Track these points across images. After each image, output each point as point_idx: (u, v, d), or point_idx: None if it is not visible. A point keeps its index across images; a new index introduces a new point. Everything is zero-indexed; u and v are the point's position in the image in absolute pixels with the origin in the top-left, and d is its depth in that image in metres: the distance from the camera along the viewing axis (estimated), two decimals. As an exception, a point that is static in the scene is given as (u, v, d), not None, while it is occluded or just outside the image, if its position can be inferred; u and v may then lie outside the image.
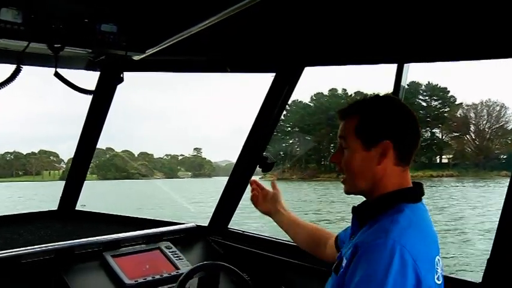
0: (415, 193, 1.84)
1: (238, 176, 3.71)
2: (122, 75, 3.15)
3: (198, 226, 3.88)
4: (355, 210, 1.90)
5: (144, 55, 2.94)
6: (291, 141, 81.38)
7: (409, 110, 1.85)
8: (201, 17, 2.43)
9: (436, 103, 75.18)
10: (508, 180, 2.29)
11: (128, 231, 3.48)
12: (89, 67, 3.25)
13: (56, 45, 2.64)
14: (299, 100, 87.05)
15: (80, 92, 2.96)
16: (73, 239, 3.23)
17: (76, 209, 4.00)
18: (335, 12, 2.60)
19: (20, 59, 2.62)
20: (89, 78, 3.29)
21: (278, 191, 2.71)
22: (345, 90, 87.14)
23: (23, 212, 3.99)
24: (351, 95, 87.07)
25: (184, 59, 3.40)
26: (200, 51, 3.25)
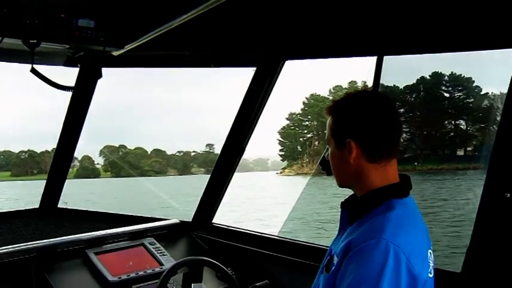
0: (403, 188, 1.75)
1: (221, 171, 3.60)
2: (100, 71, 3.01)
3: (181, 222, 3.74)
4: (344, 205, 1.83)
5: (123, 50, 2.82)
6: (309, 135, 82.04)
7: (379, 103, 1.75)
8: (180, 12, 2.33)
9: (459, 94, 75.54)
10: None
11: (111, 228, 3.33)
12: (68, 63, 3.10)
13: (31, 41, 2.50)
14: (317, 93, 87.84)
15: (58, 89, 2.82)
16: (55, 237, 3.09)
17: (58, 206, 3.82)
18: (314, 6, 2.54)
19: None
20: (69, 75, 3.19)
21: None
22: (364, 82, 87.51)
23: (2, 210, 3.83)
24: (382, 84, 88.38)
25: (164, 54, 3.28)
26: (181, 46, 3.12)
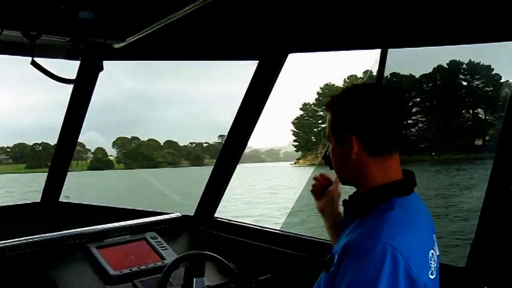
0: (405, 185, 1.72)
1: (223, 165, 3.61)
2: (101, 64, 3.02)
3: (183, 216, 3.75)
4: (345, 203, 1.82)
5: (124, 43, 2.81)
6: (323, 126, 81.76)
7: (379, 97, 1.72)
8: (182, 4, 2.31)
9: (478, 82, 73.98)
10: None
11: (113, 222, 3.35)
12: (69, 56, 3.08)
13: (31, 33, 2.49)
14: (332, 83, 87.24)
15: (59, 81, 2.80)
16: (57, 231, 3.11)
17: (60, 200, 3.84)
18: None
19: None
20: (71, 68, 3.21)
21: (336, 189, 2.29)
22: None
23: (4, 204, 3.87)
24: (387, 76, 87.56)
25: (166, 47, 3.26)
26: (183, 39, 3.11)
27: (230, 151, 3.55)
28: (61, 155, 3.62)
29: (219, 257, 2.83)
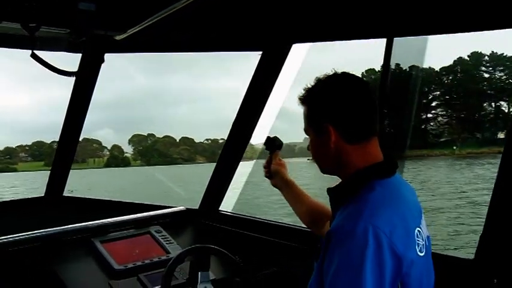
0: (385, 168, 1.74)
1: (228, 158, 3.60)
2: (103, 56, 3.02)
3: (188, 209, 3.75)
4: (329, 191, 1.83)
5: (125, 35, 2.80)
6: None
7: (352, 83, 1.77)
8: None
9: (501, 74, 72.87)
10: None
11: (117, 216, 3.36)
12: (71, 49, 3.07)
13: (30, 25, 2.50)
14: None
15: (60, 74, 2.81)
16: (61, 226, 3.12)
17: (64, 195, 3.87)
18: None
19: None
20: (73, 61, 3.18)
21: (281, 164, 2.57)
22: (398, 65, 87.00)
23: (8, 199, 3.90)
24: (405, 69, 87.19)
25: (168, 39, 3.24)
26: (185, 30, 3.08)
27: (234, 144, 3.54)
28: (64, 148, 3.63)
29: (223, 251, 2.81)
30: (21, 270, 2.82)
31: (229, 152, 3.59)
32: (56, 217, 3.31)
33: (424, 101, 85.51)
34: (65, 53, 3.08)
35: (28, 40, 2.54)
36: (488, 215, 2.27)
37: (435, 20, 2.52)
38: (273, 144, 2.58)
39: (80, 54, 3.12)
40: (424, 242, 1.68)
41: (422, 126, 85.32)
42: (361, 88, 1.75)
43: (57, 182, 3.76)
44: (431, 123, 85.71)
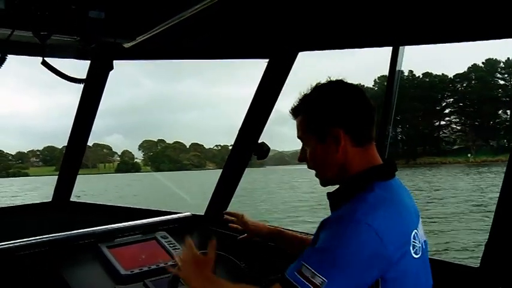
0: (385, 170, 1.80)
1: (234, 164, 3.63)
2: (112, 63, 3.07)
3: (194, 215, 3.78)
4: (329, 196, 1.87)
5: (134, 42, 2.84)
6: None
7: (352, 89, 1.83)
8: (191, 3, 2.33)
9: None
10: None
11: (123, 222, 3.39)
12: (80, 56, 3.14)
13: (42, 33, 2.55)
14: (361, 84, 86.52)
15: (70, 81, 2.86)
16: (68, 231, 3.16)
17: (71, 200, 3.92)
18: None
19: (4, 48, 2.55)
20: (81, 68, 3.25)
21: (255, 223, 2.78)
22: (411, 71, 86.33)
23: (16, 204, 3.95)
24: (419, 76, 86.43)
25: (177, 46, 3.28)
26: (192, 38, 3.13)
27: (241, 150, 3.57)
28: (72, 154, 3.69)
29: (229, 256, 2.85)
30: (29, 275, 2.85)
31: (235, 159, 3.62)
32: (63, 222, 3.35)
33: (437, 108, 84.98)
34: (74, 60, 3.14)
35: (39, 48, 2.60)
36: (494, 223, 2.28)
37: (441, 28, 2.55)
38: (260, 149, 2.63)
39: (89, 62, 3.19)
40: (420, 245, 1.72)
41: (435, 134, 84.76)
42: (360, 93, 1.82)
43: (64, 187, 3.81)
44: (445, 131, 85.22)
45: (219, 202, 3.76)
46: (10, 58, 2.58)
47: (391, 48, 2.95)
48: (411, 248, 1.65)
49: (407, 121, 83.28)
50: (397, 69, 2.92)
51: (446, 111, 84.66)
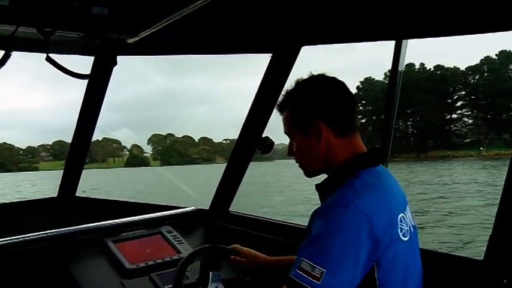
0: (369, 157, 1.85)
1: (238, 158, 3.65)
2: (115, 59, 3.10)
3: (198, 210, 3.81)
4: (317, 187, 1.91)
5: (137, 38, 2.86)
6: (363, 121, 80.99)
7: (332, 82, 1.89)
8: None
9: None
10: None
11: (129, 217, 3.43)
12: (84, 52, 3.17)
13: (46, 29, 2.58)
14: (372, 77, 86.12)
15: (74, 77, 2.89)
16: (73, 226, 3.20)
17: (76, 195, 3.97)
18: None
19: (9, 44, 2.57)
20: (86, 64, 3.25)
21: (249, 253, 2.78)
22: (423, 64, 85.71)
23: (21, 199, 3.99)
24: (430, 69, 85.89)
25: (180, 41, 3.30)
26: (196, 33, 3.14)
27: (245, 145, 3.59)
28: (77, 149, 3.72)
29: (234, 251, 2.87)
30: (36, 269, 2.89)
31: (239, 153, 3.64)
32: (69, 217, 3.38)
33: (449, 101, 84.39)
34: (78, 56, 3.17)
35: (43, 44, 2.63)
36: (498, 216, 2.29)
37: (445, 21, 2.54)
38: (264, 144, 2.66)
39: (93, 58, 3.22)
40: (408, 228, 1.76)
41: (447, 127, 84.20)
42: (340, 86, 1.89)
43: (70, 182, 3.86)
44: (456, 124, 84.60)
45: (224, 196, 3.79)
46: (19, 55, 2.62)
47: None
48: (399, 231, 1.69)
49: (418, 114, 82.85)
50: (400, 63, 2.92)
51: (458, 104, 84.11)
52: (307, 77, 1.93)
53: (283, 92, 1.96)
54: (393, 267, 1.65)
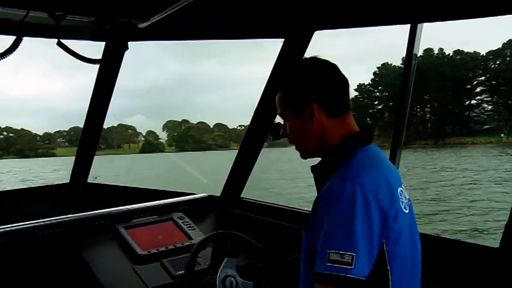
0: (362, 136, 1.88)
1: (250, 145, 3.64)
2: (126, 44, 3.10)
3: (210, 196, 3.82)
4: (313, 169, 1.94)
5: (149, 22, 2.86)
6: (380, 107, 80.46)
7: (324, 64, 1.91)
8: None
9: None
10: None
11: (140, 203, 3.45)
12: (95, 37, 3.17)
13: (57, 13, 2.58)
14: (389, 63, 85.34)
15: (85, 62, 2.90)
16: (85, 212, 3.23)
17: (88, 181, 3.99)
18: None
19: (20, 29, 2.58)
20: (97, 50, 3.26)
21: None
22: (441, 49, 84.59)
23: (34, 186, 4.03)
24: (449, 54, 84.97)
25: (191, 26, 3.26)
26: (207, 18, 3.13)
27: (257, 130, 3.58)
28: (88, 135, 3.74)
29: (246, 237, 2.87)
30: (49, 254, 2.93)
31: (251, 139, 3.64)
32: (81, 203, 3.41)
33: (468, 86, 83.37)
34: (90, 42, 3.18)
35: (54, 29, 2.64)
36: None
37: (462, 3, 2.51)
38: (276, 130, 2.65)
39: (103, 44, 3.22)
40: (407, 201, 1.80)
41: (465, 113, 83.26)
42: (332, 67, 1.90)
43: (81, 168, 3.88)
44: (475, 110, 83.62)
45: (236, 182, 3.80)
46: (34, 42, 2.63)
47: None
48: (400, 204, 1.73)
49: (436, 100, 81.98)
50: (415, 47, 2.87)
51: (478, 89, 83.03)
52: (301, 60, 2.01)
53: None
54: (400, 239, 1.68)
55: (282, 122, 2.67)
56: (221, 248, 2.86)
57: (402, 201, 1.75)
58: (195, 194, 3.83)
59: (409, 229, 1.76)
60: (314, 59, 1.94)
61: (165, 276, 2.93)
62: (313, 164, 1.94)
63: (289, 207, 3.49)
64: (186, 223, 3.37)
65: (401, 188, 1.79)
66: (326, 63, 1.91)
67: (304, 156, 1.98)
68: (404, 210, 1.74)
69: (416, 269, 1.83)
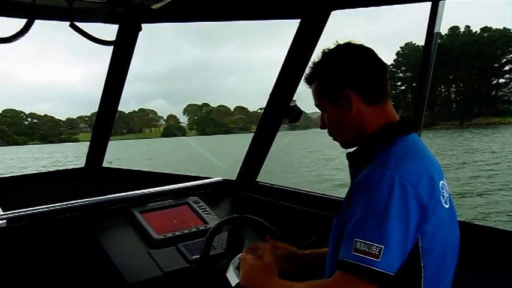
0: (403, 125, 1.83)
1: (266, 128, 3.62)
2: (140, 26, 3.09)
3: (225, 180, 3.82)
4: (349, 156, 1.90)
5: (163, 3, 2.83)
6: (403, 88, 79.72)
7: (359, 49, 1.85)
8: None
9: None
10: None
11: (155, 187, 3.46)
12: (108, 20, 3.14)
13: None
14: (413, 42, 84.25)
15: (99, 44, 2.90)
16: (100, 196, 3.25)
17: (103, 165, 4.02)
18: None
19: (31, 11, 2.59)
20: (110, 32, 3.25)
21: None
22: (468, 27, 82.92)
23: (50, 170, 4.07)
24: (476, 32, 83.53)
25: (205, 7, 3.24)
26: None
27: (273, 113, 3.55)
28: (103, 120, 3.75)
29: (261, 221, 2.85)
30: (66, 238, 2.97)
31: (267, 122, 3.61)
32: (96, 187, 3.44)
33: (496, 65, 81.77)
34: (103, 24, 3.17)
35: (67, 11, 2.64)
36: None
37: None
38: (292, 112, 2.60)
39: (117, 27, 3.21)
40: (448, 196, 1.75)
41: (493, 93, 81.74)
42: (367, 52, 1.84)
43: (96, 153, 3.90)
44: (503, 90, 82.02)
45: (251, 166, 3.78)
46: (52, 27, 2.61)
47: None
48: (441, 198, 1.68)
49: (462, 79, 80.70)
50: (436, 26, 2.80)
51: (507, 68, 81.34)
52: (333, 46, 1.89)
53: (310, 64, 1.92)
54: (436, 235, 1.63)
55: (297, 105, 2.64)
56: (237, 232, 2.87)
57: (443, 195, 1.70)
58: (211, 178, 3.83)
59: (447, 224, 1.70)
60: (348, 44, 1.88)
61: (181, 260, 2.94)
62: (349, 152, 1.90)
63: (305, 191, 3.47)
64: (201, 207, 3.38)
65: (442, 182, 1.74)
66: (361, 47, 1.85)
67: (344, 146, 1.93)
68: (444, 205, 1.69)
69: (451, 264, 1.78)
